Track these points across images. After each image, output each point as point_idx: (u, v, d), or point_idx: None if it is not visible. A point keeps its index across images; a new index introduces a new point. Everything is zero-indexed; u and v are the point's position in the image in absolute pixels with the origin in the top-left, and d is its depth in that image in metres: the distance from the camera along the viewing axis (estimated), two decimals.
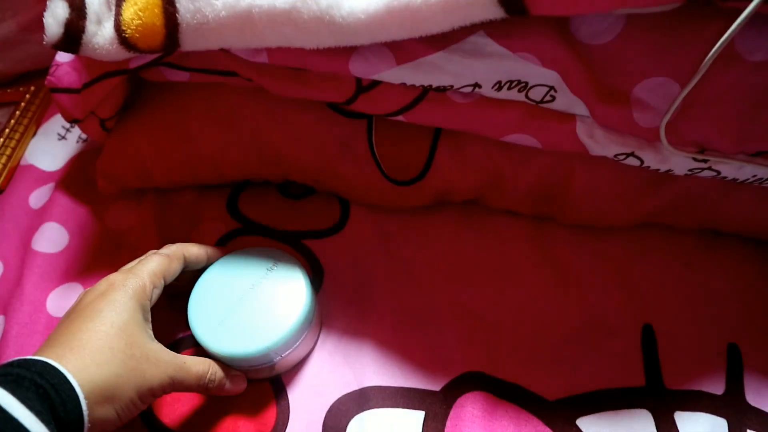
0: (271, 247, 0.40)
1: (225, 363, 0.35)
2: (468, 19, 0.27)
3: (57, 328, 0.31)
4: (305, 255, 0.43)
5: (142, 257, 0.36)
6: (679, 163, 0.35)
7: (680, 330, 0.38)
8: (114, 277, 0.33)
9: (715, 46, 0.28)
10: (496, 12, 0.27)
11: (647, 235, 0.43)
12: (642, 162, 0.35)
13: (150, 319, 0.33)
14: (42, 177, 0.51)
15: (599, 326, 0.39)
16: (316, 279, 0.41)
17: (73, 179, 0.50)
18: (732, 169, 0.34)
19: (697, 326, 0.39)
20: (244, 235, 0.44)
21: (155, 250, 0.36)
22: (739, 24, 0.26)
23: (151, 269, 0.34)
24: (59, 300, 0.42)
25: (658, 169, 0.36)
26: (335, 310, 0.40)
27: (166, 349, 0.32)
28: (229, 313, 0.35)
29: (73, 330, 0.30)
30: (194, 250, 0.37)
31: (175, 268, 0.35)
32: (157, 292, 0.34)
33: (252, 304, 0.35)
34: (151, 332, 0.33)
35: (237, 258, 0.38)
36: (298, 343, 0.36)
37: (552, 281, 0.41)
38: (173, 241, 0.38)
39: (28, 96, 0.57)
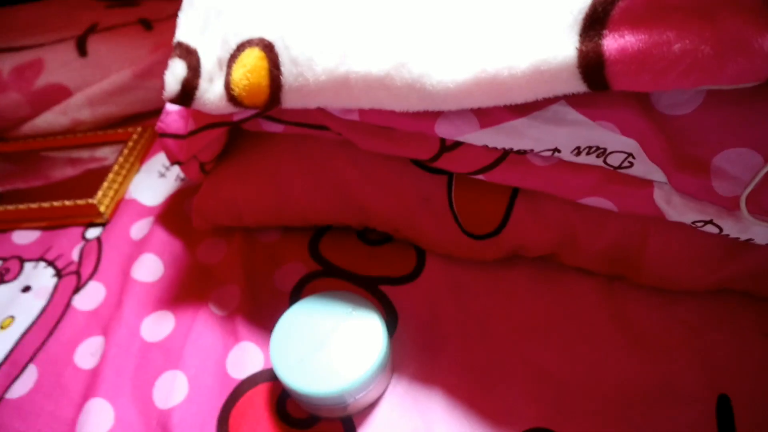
0: (350, 291, 0.42)
1: (301, 399, 0.37)
2: (551, 92, 0.29)
3: None
4: (381, 300, 0.45)
5: None
6: (761, 233, 0.35)
7: (759, 403, 0.37)
8: None
9: None
10: (578, 87, 0.28)
11: (724, 301, 0.42)
12: (721, 230, 0.35)
13: None
14: (143, 211, 0.56)
15: (670, 391, 0.38)
16: (391, 324, 0.43)
17: (171, 214, 0.54)
18: None
19: None
20: (324, 277, 0.47)
21: None
22: None
23: None
24: (152, 326, 0.46)
25: (738, 238, 0.36)
26: (407, 356, 0.42)
27: None
28: (309, 353, 0.37)
29: None
30: None
31: None
32: None
33: (332, 346, 0.37)
34: None
35: (320, 300, 0.40)
36: (371, 387, 0.37)
37: (623, 341, 0.41)
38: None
39: (135, 136, 0.63)
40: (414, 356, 0.42)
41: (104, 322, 0.47)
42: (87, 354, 0.45)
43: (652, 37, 0.26)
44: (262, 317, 0.45)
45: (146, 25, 0.68)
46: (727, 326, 0.41)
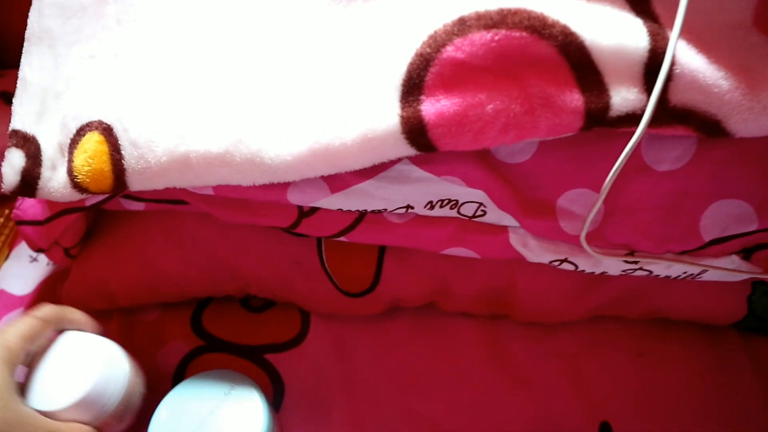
0: (231, 367, 0.40)
1: None
2: (384, 157, 0.30)
3: None
4: (267, 370, 0.43)
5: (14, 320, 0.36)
6: (611, 265, 0.36)
7: (638, 424, 0.39)
8: None
9: (615, 165, 0.30)
10: (407, 150, 0.29)
11: (599, 327, 0.44)
12: (576, 267, 0.37)
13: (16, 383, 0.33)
14: (12, 302, 0.52)
15: (559, 427, 0.39)
16: (278, 395, 0.42)
17: (43, 303, 0.51)
18: (662, 268, 0.36)
19: (655, 419, 0.39)
20: (208, 352, 0.45)
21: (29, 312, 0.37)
22: (630, 149, 0.28)
23: (20, 332, 0.34)
24: None
25: (594, 272, 0.37)
26: (297, 425, 0.40)
27: (38, 414, 0.33)
28: None
29: None
30: (75, 316, 0.38)
31: (45, 330, 0.36)
32: (25, 355, 0.34)
33: (211, 429, 0.36)
34: (20, 397, 0.33)
35: (195, 383, 0.39)
36: None
37: (507, 381, 0.41)
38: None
39: (1, 219, 0.59)
40: (303, 424, 0.40)
41: None
42: None
43: (466, 100, 0.27)
44: (148, 403, 0.42)
45: (6, 98, 0.65)
46: (603, 351, 0.43)
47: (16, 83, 0.64)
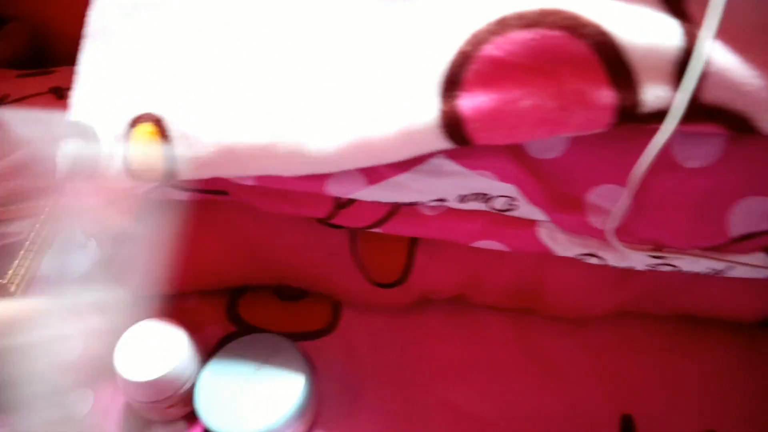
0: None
1: None
2: (422, 150, 0.31)
3: None
4: None
5: None
6: (637, 260, 0.37)
7: (659, 418, 0.40)
8: None
9: (643, 159, 0.31)
10: (444, 144, 0.30)
11: (626, 324, 0.44)
12: (604, 261, 0.38)
13: None
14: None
15: (582, 418, 0.40)
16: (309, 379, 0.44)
17: None
18: (688, 264, 0.37)
19: (676, 414, 0.40)
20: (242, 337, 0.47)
21: None
22: (659, 144, 0.29)
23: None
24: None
25: (620, 267, 0.38)
26: (327, 409, 0.42)
27: None
28: (233, 396, 0.39)
29: None
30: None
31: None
32: None
33: (253, 388, 0.39)
34: None
35: (238, 346, 0.42)
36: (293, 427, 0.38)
37: (536, 373, 0.42)
38: None
39: (47, 209, 0.62)
40: (333, 409, 0.42)
41: None
42: None
43: (502, 96, 0.29)
44: None
45: (58, 94, 0.68)
46: (629, 345, 0.43)
47: (66, 79, 0.67)
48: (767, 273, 0.37)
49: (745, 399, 0.40)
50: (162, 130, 0.36)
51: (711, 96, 0.28)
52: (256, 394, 0.38)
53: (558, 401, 0.41)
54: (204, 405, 0.39)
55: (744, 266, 0.36)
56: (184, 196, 0.44)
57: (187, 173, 0.37)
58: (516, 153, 0.34)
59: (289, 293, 0.50)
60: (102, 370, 0.47)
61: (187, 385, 0.40)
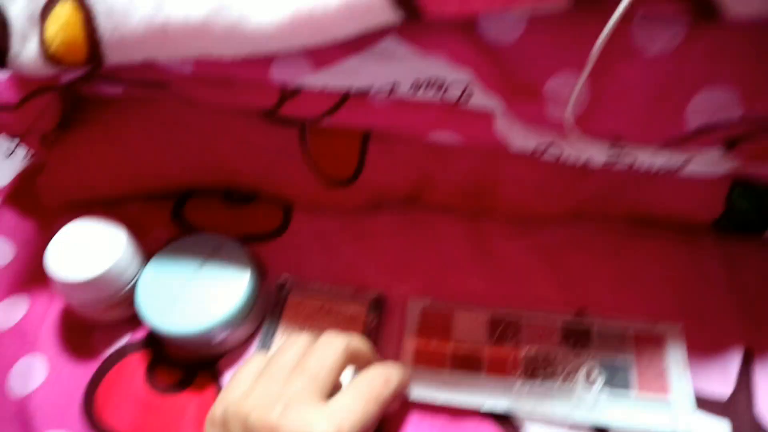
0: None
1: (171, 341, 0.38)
2: (368, 23, 0.29)
3: None
4: None
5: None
6: (596, 152, 0.36)
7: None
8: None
9: (596, 43, 0.29)
10: (392, 15, 0.28)
11: (580, 226, 0.44)
12: (561, 153, 0.37)
13: None
14: None
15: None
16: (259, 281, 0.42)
17: (21, 194, 0.50)
18: (645, 157, 0.36)
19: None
20: None
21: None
22: (615, 22, 0.28)
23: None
24: (4, 312, 0.43)
25: (578, 161, 0.37)
26: None
27: None
28: (175, 294, 0.38)
29: None
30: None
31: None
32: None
33: (197, 285, 0.38)
34: None
35: (181, 244, 0.40)
36: (239, 327, 0.38)
37: (488, 274, 0.42)
38: None
39: None
40: None
41: None
42: None
43: None
44: None
45: None
46: (583, 248, 0.43)
47: None
48: (722, 167, 0.36)
49: (693, 295, 0.41)
50: (85, 7, 0.33)
51: None
52: (199, 293, 0.37)
53: (510, 297, 0.41)
54: (146, 304, 0.37)
55: (700, 161, 0.36)
56: (118, 90, 0.41)
57: (114, 55, 0.34)
58: (471, 34, 0.32)
59: (238, 197, 0.48)
60: (38, 275, 0.45)
61: (129, 286, 0.39)
